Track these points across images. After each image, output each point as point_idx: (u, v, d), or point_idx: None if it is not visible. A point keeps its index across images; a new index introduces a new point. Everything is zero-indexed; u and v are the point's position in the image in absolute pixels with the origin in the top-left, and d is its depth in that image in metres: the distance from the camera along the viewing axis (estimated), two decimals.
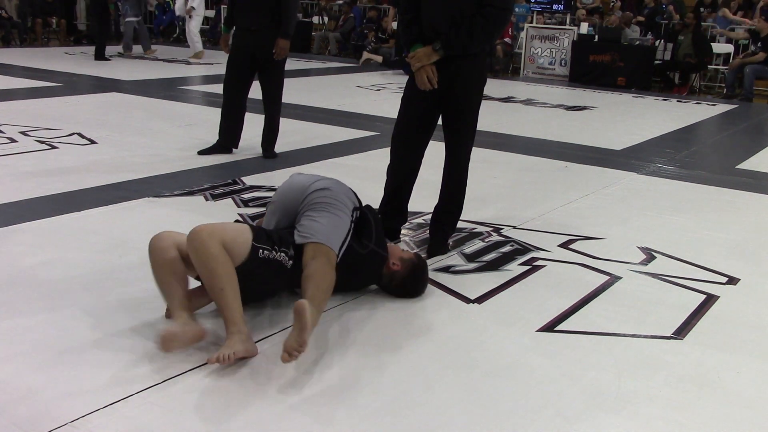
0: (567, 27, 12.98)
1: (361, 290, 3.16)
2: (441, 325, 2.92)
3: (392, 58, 12.69)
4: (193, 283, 2.79)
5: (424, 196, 4.05)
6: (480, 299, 3.19)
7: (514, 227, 4.23)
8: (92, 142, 5.94)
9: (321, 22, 16.83)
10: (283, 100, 5.75)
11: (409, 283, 3.11)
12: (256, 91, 5.66)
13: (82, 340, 2.62)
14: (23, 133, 6.10)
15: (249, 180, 4.96)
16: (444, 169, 3.74)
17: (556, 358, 2.69)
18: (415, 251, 3.26)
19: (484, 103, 3.73)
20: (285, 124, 5.95)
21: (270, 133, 5.69)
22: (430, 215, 3.88)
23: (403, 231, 3.98)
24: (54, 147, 5.68)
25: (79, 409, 2.18)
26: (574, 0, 13.27)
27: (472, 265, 3.60)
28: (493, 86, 8.63)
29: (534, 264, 3.66)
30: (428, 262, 3.56)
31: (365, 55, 12.92)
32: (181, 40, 12.90)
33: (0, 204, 4.15)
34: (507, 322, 2.98)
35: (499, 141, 6.78)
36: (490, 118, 7.26)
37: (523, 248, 3.88)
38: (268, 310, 2.92)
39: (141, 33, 13.04)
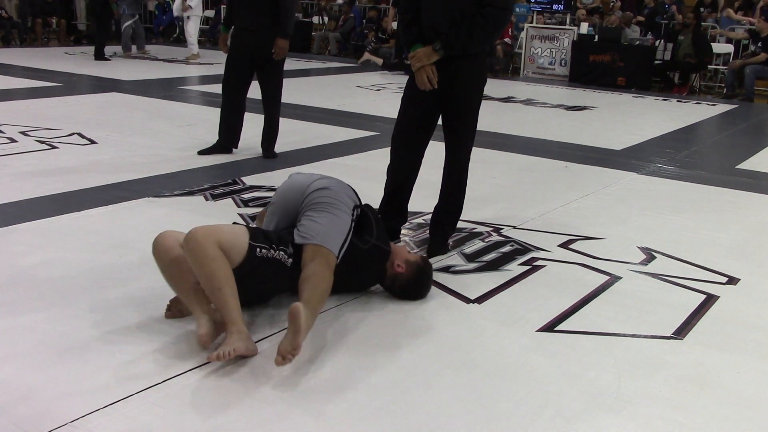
0: (567, 27, 12.98)
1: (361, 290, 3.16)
2: (441, 325, 2.92)
3: (392, 59, 12.69)
4: None
5: (424, 196, 4.05)
6: (480, 299, 3.19)
7: (514, 227, 4.23)
8: (92, 142, 5.94)
9: (321, 22, 16.83)
10: (282, 100, 5.74)
11: (413, 287, 3.10)
12: (255, 91, 5.66)
13: (82, 340, 2.62)
14: (23, 133, 6.10)
15: (249, 180, 4.96)
16: (444, 169, 3.74)
17: (556, 358, 2.69)
18: (421, 254, 3.22)
19: (484, 103, 3.73)
20: (285, 124, 5.95)
21: (270, 133, 5.69)
22: (430, 215, 3.88)
23: (403, 231, 3.98)
24: (54, 147, 5.68)
25: (79, 409, 2.18)
26: (574, 0, 13.26)
27: (472, 265, 3.60)
28: (493, 86, 8.63)
29: (534, 264, 3.66)
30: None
31: (366, 55, 12.92)
32: (181, 40, 12.91)
33: (0, 204, 4.15)
34: (507, 322, 2.98)
35: (499, 141, 6.78)
36: (490, 118, 7.26)
37: (523, 248, 3.88)
38: (268, 310, 2.92)
39: (137, 32, 13.04)
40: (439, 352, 2.69)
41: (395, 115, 3.76)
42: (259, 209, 4.27)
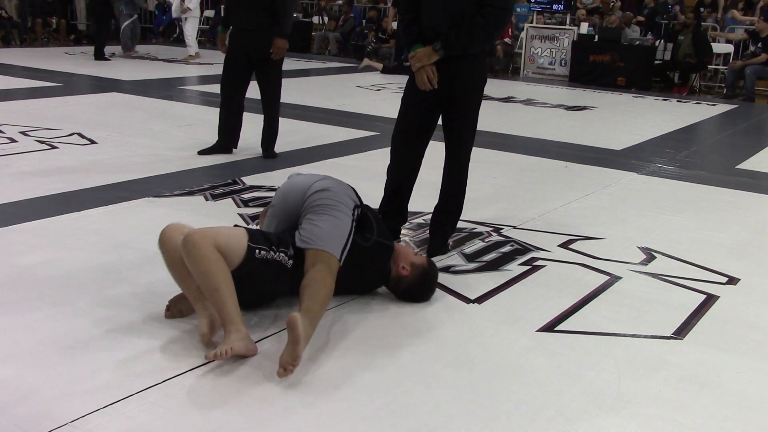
0: (567, 27, 12.98)
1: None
2: (441, 325, 2.92)
3: (392, 62, 12.66)
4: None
5: (424, 196, 4.05)
6: (480, 299, 3.19)
7: (514, 227, 4.23)
8: (92, 142, 5.94)
9: (321, 22, 16.83)
10: (282, 101, 5.74)
11: (417, 290, 3.08)
12: (255, 91, 5.66)
13: (83, 339, 2.62)
14: (23, 133, 6.10)
15: (249, 180, 4.96)
16: (444, 169, 3.74)
17: (556, 358, 2.69)
18: (427, 257, 3.20)
19: (484, 103, 3.73)
20: (285, 124, 5.95)
21: (269, 133, 5.69)
22: (430, 215, 3.88)
23: (403, 231, 3.98)
24: (54, 147, 5.68)
25: (79, 409, 2.18)
26: (574, 0, 13.26)
27: (472, 265, 3.60)
28: (493, 86, 8.63)
29: (534, 264, 3.66)
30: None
31: (365, 61, 12.92)
32: (181, 40, 12.91)
33: (0, 204, 4.15)
34: (507, 322, 2.98)
35: (499, 141, 6.78)
36: (490, 118, 7.26)
37: (523, 248, 3.88)
38: (269, 310, 2.91)
39: (134, 32, 13.05)
40: (439, 352, 2.69)
41: (395, 115, 3.76)
42: (260, 209, 4.27)
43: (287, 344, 2.41)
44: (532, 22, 13.29)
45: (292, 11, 5.58)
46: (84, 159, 5.36)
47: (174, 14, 13.09)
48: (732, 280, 3.59)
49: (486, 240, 3.99)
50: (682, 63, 11.85)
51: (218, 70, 5.75)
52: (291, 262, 2.79)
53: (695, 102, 10.84)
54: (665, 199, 5.09)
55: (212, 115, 5.81)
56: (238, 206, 4.36)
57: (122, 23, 12.83)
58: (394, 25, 13.57)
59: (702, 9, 12.94)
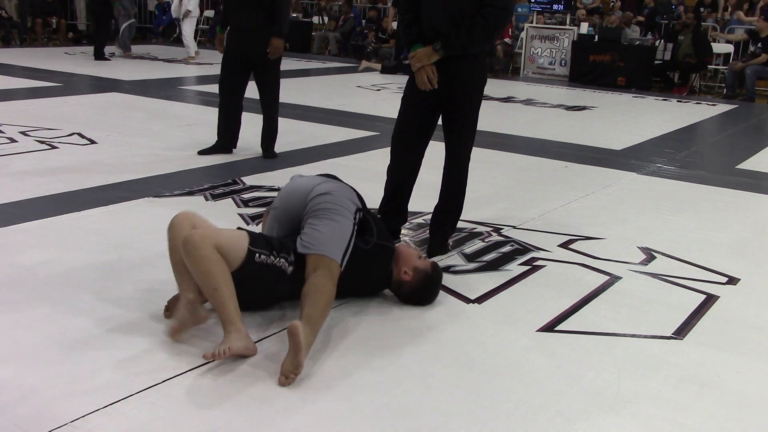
0: (567, 27, 12.98)
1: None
2: (441, 325, 2.92)
3: (391, 62, 12.65)
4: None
5: (424, 196, 4.05)
6: (480, 299, 3.19)
7: (514, 227, 4.23)
8: (92, 142, 5.94)
9: (321, 22, 16.82)
10: (283, 101, 5.74)
11: (419, 294, 3.05)
12: (254, 91, 5.66)
13: (82, 339, 2.62)
14: (23, 133, 6.10)
15: (249, 180, 4.96)
16: (444, 169, 3.74)
17: (556, 358, 2.69)
18: (431, 260, 3.15)
19: (484, 103, 3.73)
20: (285, 124, 5.95)
21: (269, 133, 5.69)
22: (430, 215, 3.88)
23: (403, 231, 3.98)
24: (54, 147, 5.68)
25: (79, 409, 2.18)
26: (574, 0, 13.26)
27: (472, 265, 3.60)
28: (493, 86, 8.63)
29: (534, 264, 3.66)
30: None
31: (363, 63, 12.92)
32: (181, 41, 12.90)
33: (0, 204, 4.15)
34: (507, 322, 2.98)
35: (499, 141, 6.78)
36: (490, 118, 7.26)
37: (523, 248, 3.88)
38: (274, 310, 2.90)
39: (130, 32, 13.05)
40: (439, 352, 2.69)
41: (395, 115, 3.76)
42: (259, 209, 4.27)
43: (288, 352, 2.41)
44: (532, 22, 13.29)
45: (289, 11, 5.58)
46: (84, 159, 5.36)
47: (173, 14, 13.08)
48: (732, 280, 3.59)
49: (486, 240, 3.99)
50: (682, 63, 11.85)
51: (218, 70, 5.75)
52: (291, 268, 2.77)
53: (695, 102, 10.84)
54: (665, 199, 5.09)
55: (212, 115, 5.82)
56: (238, 206, 4.36)
57: (121, 24, 12.82)
58: (394, 25, 13.57)
59: (702, 9, 12.93)
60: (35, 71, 10.20)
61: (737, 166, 6.35)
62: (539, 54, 13.02)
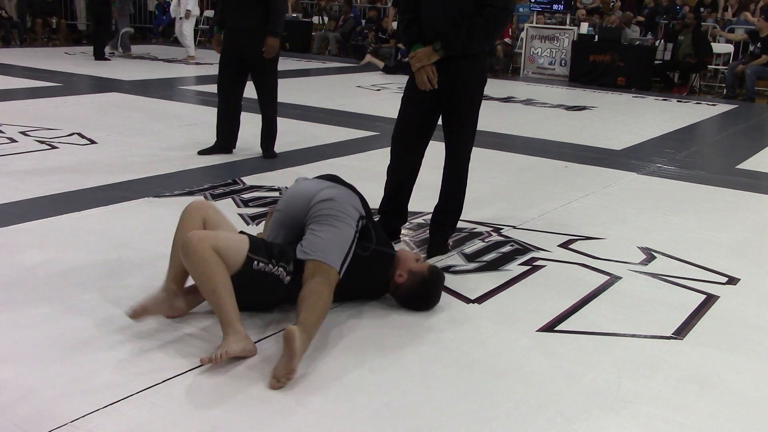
0: (567, 27, 12.98)
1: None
2: (441, 325, 2.92)
3: (392, 62, 12.64)
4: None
5: (424, 196, 4.05)
6: (480, 299, 3.19)
7: (514, 227, 4.23)
8: (92, 142, 5.94)
9: (321, 22, 16.83)
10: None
11: (414, 298, 3.00)
12: (253, 91, 5.66)
13: (82, 340, 2.62)
14: (23, 133, 6.10)
15: (249, 180, 4.96)
16: (444, 169, 3.74)
17: (556, 358, 2.69)
18: (430, 264, 3.10)
19: (484, 103, 3.73)
20: (285, 124, 5.95)
21: (268, 133, 5.69)
22: (430, 215, 3.88)
23: (403, 231, 3.98)
24: (54, 147, 5.68)
25: (79, 409, 2.18)
26: (574, 0, 13.26)
27: (472, 265, 3.60)
28: (493, 86, 8.62)
29: (534, 264, 3.66)
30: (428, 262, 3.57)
31: (368, 57, 12.92)
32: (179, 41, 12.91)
33: (0, 204, 4.15)
34: (507, 322, 2.98)
35: (499, 141, 6.78)
36: (490, 118, 7.26)
37: (523, 248, 3.88)
38: (274, 312, 2.90)
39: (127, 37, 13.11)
40: (439, 353, 2.69)
41: (395, 115, 3.76)
42: (259, 209, 4.27)
43: (282, 357, 2.40)
44: (532, 22, 13.30)
45: (284, 11, 5.58)
46: (84, 159, 5.36)
47: (172, 14, 13.09)
48: (732, 280, 3.59)
49: (486, 240, 3.99)
50: (682, 63, 11.85)
51: (217, 70, 5.74)
52: (288, 278, 2.75)
53: (695, 102, 10.84)
54: (665, 199, 5.09)
55: (212, 115, 5.82)
56: (238, 206, 4.36)
57: (121, 24, 12.82)
58: (394, 25, 13.57)
59: (702, 9, 12.92)
60: (35, 71, 10.20)
61: (737, 166, 6.35)
62: (539, 54, 13.02)
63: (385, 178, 3.82)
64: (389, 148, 3.81)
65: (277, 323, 2.81)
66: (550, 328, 2.95)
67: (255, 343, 2.59)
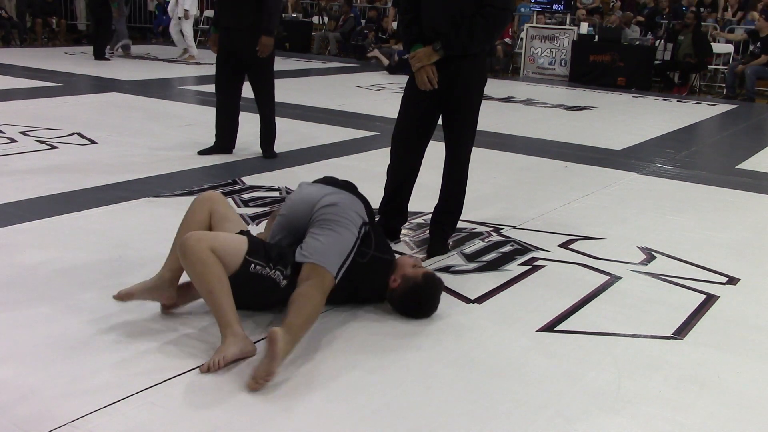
0: (567, 27, 12.98)
1: None
2: (441, 324, 2.92)
3: (393, 62, 12.62)
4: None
5: (424, 196, 4.05)
6: (480, 299, 3.19)
7: (514, 227, 4.23)
8: (92, 142, 5.94)
9: (321, 22, 16.82)
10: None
11: (407, 304, 2.93)
12: (252, 90, 5.66)
13: (82, 339, 2.62)
14: (23, 133, 6.10)
15: (249, 180, 4.96)
16: (444, 169, 3.74)
17: (556, 358, 2.69)
18: (426, 270, 3.02)
19: (484, 103, 3.73)
20: (285, 124, 5.95)
21: (267, 133, 5.68)
22: (430, 215, 3.88)
23: (403, 231, 3.98)
24: (54, 147, 5.68)
25: (79, 409, 2.18)
26: (574, 0, 13.26)
27: (472, 265, 3.60)
28: (493, 86, 8.62)
29: (534, 264, 3.66)
30: (428, 262, 3.57)
31: (375, 51, 12.93)
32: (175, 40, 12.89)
33: (0, 204, 4.15)
34: (507, 322, 2.98)
35: (499, 141, 6.78)
36: (490, 118, 7.26)
37: (523, 248, 3.88)
38: (274, 310, 2.91)
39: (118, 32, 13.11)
40: (439, 352, 2.69)
41: (395, 115, 3.76)
42: (259, 209, 4.27)
43: (264, 358, 2.38)
44: (532, 22, 13.29)
45: (279, 9, 5.58)
46: (84, 159, 5.36)
47: (170, 14, 13.09)
48: (732, 280, 3.59)
49: (486, 240, 3.99)
50: (682, 63, 11.85)
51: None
52: (285, 282, 2.74)
53: (695, 102, 10.84)
54: (665, 199, 5.09)
55: (212, 115, 5.82)
56: (238, 206, 4.35)
57: (119, 25, 12.83)
58: (394, 25, 13.57)
59: (702, 9, 12.92)
60: (35, 71, 10.20)
61: (737, 166, 6.35)
62: (539, 54, 13.02)
63: (385, 178, 3.82)
64: (389, 148, 3.81)
65: (278, 324, 2.80)
66: (550, 328, 2.95)
67: (255, 342, 2.59)
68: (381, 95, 9.69)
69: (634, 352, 2.79)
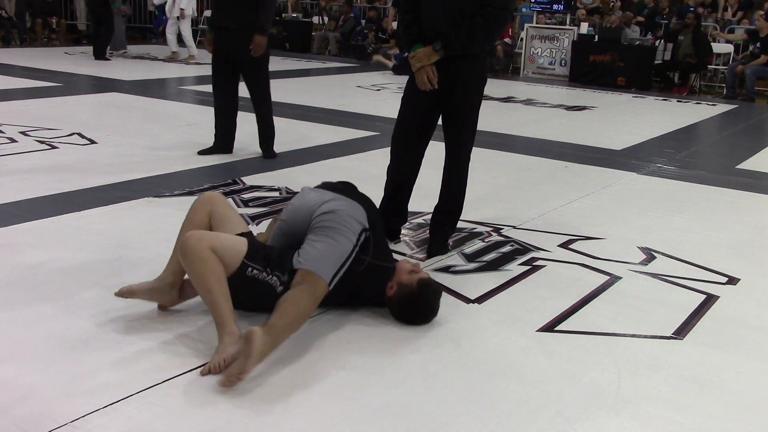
0: (567, 27, 12.98)
1: None
2: (441, 325, 2.92)
3: (393, 62, 12.61)
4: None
5: (424, 196, 4.05)
6: (480, 299, 3.19)
7: (514, 227, 4.23)
8: (92, 142, 5.94)
9: (321, 22, 16.82)
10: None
11: (402, 310, 2.89)
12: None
13: (82, 340, 2.62)
14: (23, 133, 6.09)
15: (249, 180, 4.96)
16: (444, 169, 3.74)
17: (556, 358, 2.69)
18: (422, 277, 2.94)
19: (484, 103, 3.73)
20: (284, 123, 5.95)
21: (266, 133, 5.67)
22: (430, 215, 3.88)
23: (403, 231, 3.98)
24: (54, 147, 5.68)
25: (79, 409, 2.18)
26: (574, 0, 13.26)
27: (472, 265, 3.60)
28: (493, 86, 8.63)
29: (534, 264, 3.66)
30: (428, 262, 3.57)
31: (377, 57, 12.95)
32: (180, 41, 12.88)
33: (0, 204, 4.15)
34: (507, 322, 2.98)
35: (499, 141, 6.78)
36: (490, 118, 7.26)
37: (523, 248, 3.88)
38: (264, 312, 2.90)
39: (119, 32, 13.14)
40: (438, 352, 2.69)
41: (395, 115, 3.76)
42: (259, 209, 4.27)
43: (239, 356, 2.37)
44: (532, 22, 13.30)
45: (273, 9, 5.57)
46: (84, 159, 5.36)
47: (167, 14, 13.10)
48: (732, 280, 3.59)
49: (486, 240, 3.99)
50: (682, 63, 11.85)
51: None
52: (282, 288, 2.72)
53: (695, 102, 10.84)
54: (665, 199, 5.09)
55: (211, 115, 5.82)
56: (238, 206, 4.35)
57: (117, 25, 12.83)
58: (394, 25, 13.57)
59: (702, 9, 12.91)
60: (35, 71, 10.20)
61: (737, 166, 6.36)
62: (539, 54, 13.02)
63: (385, 178, 3.82)
64: (389, 148, 3.81)
65: None
66: (550, 328, 2.95)
67: None
68: (381, 95, 9.70)
69: (634, 352, 2.79)
